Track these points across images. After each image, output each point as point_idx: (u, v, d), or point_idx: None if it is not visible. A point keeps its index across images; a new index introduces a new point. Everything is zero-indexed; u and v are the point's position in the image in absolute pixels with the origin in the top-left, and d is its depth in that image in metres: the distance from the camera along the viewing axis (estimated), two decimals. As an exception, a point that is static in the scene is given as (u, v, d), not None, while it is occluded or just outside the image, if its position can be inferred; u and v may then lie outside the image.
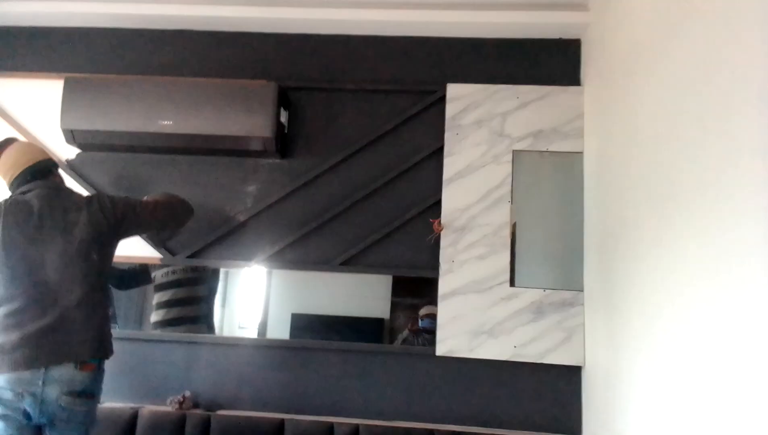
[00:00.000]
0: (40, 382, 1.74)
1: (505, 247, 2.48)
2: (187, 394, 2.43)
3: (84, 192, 2.60)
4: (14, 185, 1.99)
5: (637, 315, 1.80)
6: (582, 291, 2.43)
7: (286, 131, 2.64)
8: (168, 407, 2.40)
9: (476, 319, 2.44)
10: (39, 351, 1.76)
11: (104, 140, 2.56)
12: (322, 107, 2.71)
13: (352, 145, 2.65)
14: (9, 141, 2.09)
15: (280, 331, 2.66)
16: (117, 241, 2.06)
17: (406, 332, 2.65)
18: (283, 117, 2.60)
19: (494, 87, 2.60)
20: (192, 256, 2.62)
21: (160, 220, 2.20)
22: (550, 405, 2.41)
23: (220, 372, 2.51)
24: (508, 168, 2.54)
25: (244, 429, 2.32)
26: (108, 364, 1.96)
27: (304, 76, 2.72)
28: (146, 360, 2.53)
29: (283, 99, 2.60)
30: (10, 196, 1.96)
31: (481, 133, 2.58)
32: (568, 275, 2.46)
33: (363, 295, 2.74)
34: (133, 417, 2.34)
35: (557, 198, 2.53)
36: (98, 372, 1.89)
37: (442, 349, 2.44)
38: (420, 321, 2.63)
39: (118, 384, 2.40)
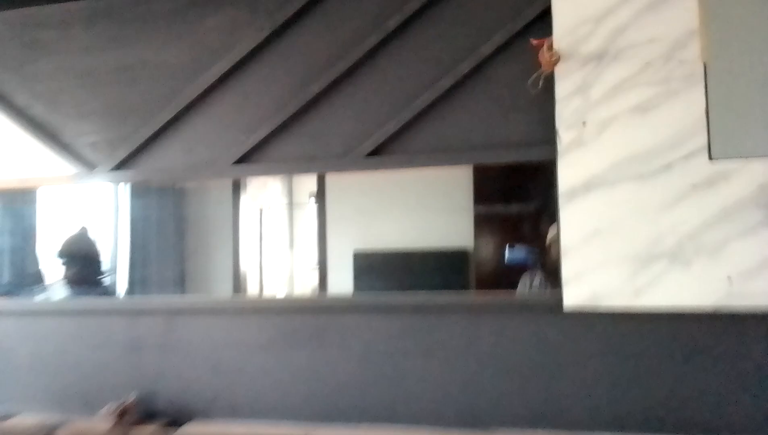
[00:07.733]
0: None
1: (693, 84, 1.22)
2: (132, 399, 1.45)
3: None
4: None
5: None
6: None
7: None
8: (100, 421, 1.44)
9: (641, 232, 1.22)
10: None
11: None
12: None
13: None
14: None
15: (341, 274, 2.16)
16: None
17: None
18: None
19: None
20: (119, 165, 1.56)
21: None
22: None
23: (194, 359, 1.49)
24: None
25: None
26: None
27: None
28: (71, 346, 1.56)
29: None
30: None
31: None
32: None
33: (432, 212, 2.02)
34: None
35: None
36: None
37: (572, 297, 1.25)
38: (509, 251, 1.88)
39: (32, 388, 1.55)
